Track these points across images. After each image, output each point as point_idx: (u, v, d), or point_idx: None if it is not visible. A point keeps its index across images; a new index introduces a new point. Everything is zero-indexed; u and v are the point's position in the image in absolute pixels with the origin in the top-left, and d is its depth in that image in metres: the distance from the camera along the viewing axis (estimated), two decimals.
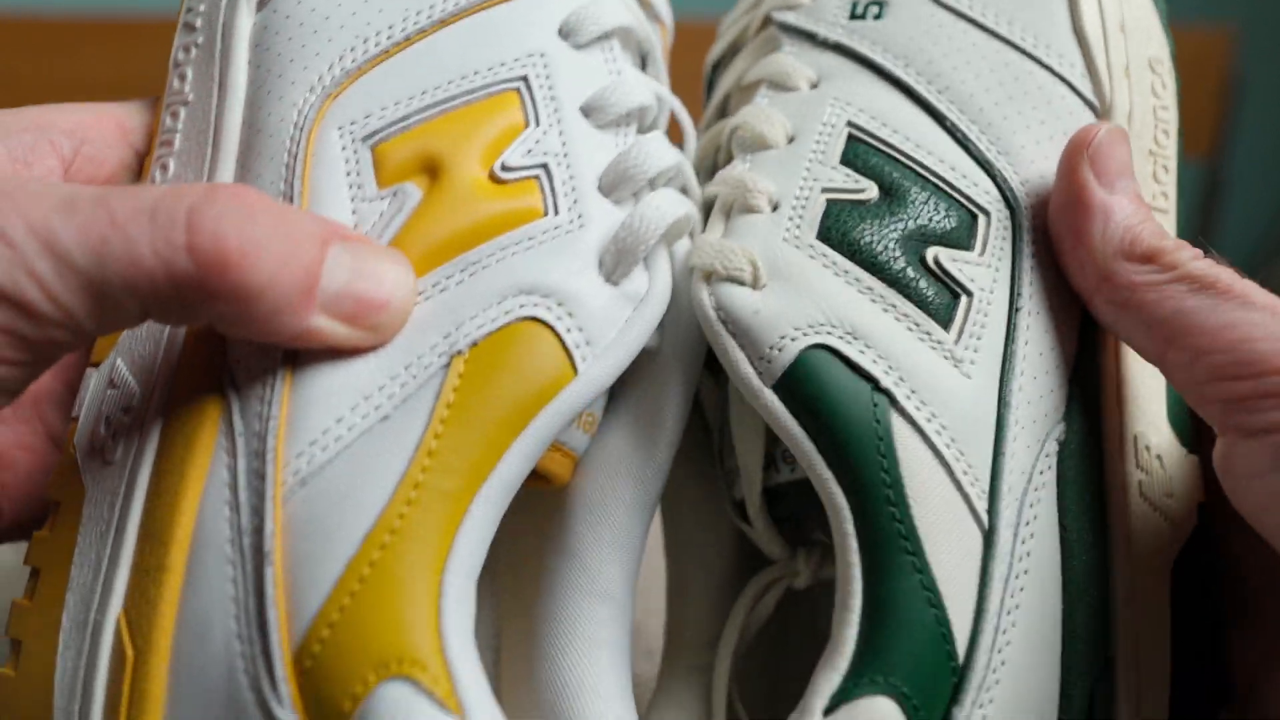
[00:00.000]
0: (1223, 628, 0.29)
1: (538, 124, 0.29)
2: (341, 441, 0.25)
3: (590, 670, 0.29)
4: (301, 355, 0.26)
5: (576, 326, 0.27)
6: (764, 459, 0.31)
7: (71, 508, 0.27)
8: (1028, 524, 0.27)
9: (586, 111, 0.29)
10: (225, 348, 0.26)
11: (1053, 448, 0.28)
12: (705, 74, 0.37)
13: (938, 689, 0.25)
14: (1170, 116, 0.33)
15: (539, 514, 0.31)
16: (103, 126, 0.31)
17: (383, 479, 0.24)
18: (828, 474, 0.27)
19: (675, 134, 0.33)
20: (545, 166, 0.28)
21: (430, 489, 0.24)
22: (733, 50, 0.36)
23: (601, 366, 0.27)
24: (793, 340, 0.27)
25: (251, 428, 0.25)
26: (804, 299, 0.28)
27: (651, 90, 0.31)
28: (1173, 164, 0.32)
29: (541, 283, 0.27)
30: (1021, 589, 0.26)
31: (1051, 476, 0.28)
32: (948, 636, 0.25)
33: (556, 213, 0.28)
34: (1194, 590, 0.28)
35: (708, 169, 0.34)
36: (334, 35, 0.29)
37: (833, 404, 0.27)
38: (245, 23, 0.30)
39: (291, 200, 0.28)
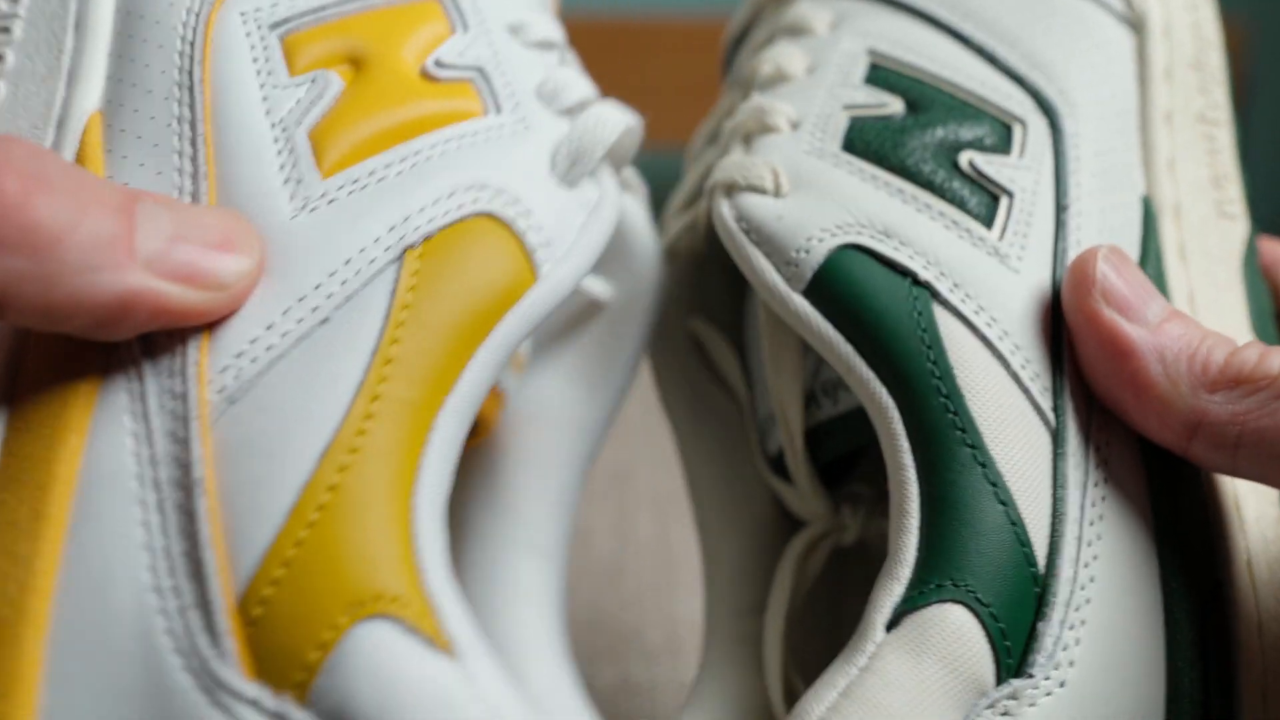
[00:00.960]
0: None
1: (465, 31, 0.26)
2: (274, 351, 0.22)
3: (526, 626, 0.27)
4: None
5: (535, 226, 0.24)
6: (803, 396, 0.29)
7: None
8: (1101, 428, 0.25)
9: (513, 30, 0.27)
10: None
11: None
12: (723, 53, 0.36)
13: (1019, 598, 0.23)
14: (1213, 31, 0.31)
15: (473, 466, 0.28)
16: None
17: (334, 389, 0.21)
18: (868, 373, 0.25)
19: None
20: (480, 70, 0.26)
21: (392, 400, 0.21)
22: (750, 26, 0.35)
23: (564, 270, 0.24)
24: (820, 241, 0.26)
25: (159, 341, 0.22)
26: (831, 202, 0.26)
27: (559, 34, 0.29)
28: (1222, 80, 0.31)
29: (494, 177, 0.24)
30: (1103, 498, 0.24)
31: None
32: (1023, 538, 0.23)
33: (499, 112, 0.25)
34: None
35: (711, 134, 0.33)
36: None
37: (868, 301, 0.25)
38: None
39: (192, 94, 0.24)
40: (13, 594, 0.20)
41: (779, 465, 0.31)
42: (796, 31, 0.31)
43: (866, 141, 0.27)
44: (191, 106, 0.24)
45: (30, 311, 0.20)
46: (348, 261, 0.22)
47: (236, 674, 0.19)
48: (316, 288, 0.22)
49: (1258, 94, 1.24)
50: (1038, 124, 0.28)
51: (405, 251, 0.23)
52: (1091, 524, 0.24)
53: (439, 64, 0.26)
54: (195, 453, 0.21)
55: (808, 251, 0.26)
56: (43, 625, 0.20)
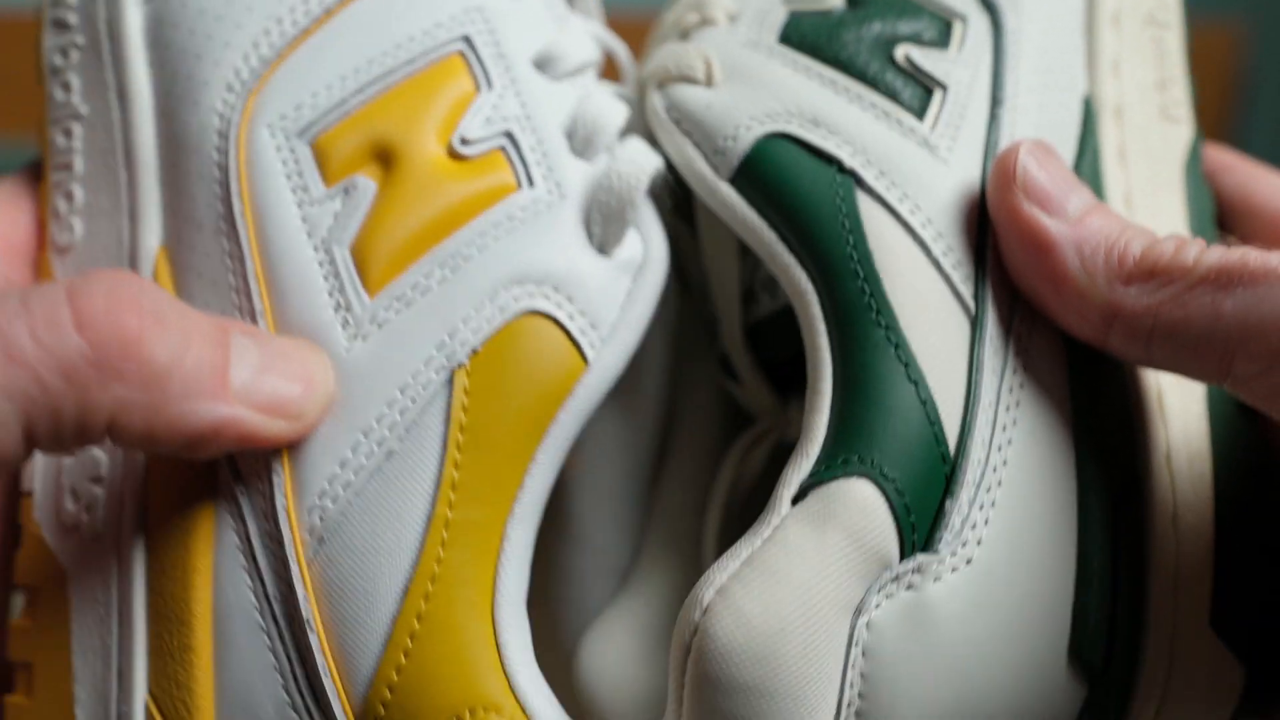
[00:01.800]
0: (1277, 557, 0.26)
1: (490, 87, 0.26)
2: (351, 488, 0.23)
3: (614, 654, 0.28)
4: None
5: (579, 311, 0.25)
6: (742, 291, 0.29)
7: (52, 591, 0.24)
8: (1025, 319, 0.25)
9: (540, 65, 0.27)
10: None
11: None
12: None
13: (926, 476, 0.23)
14: None
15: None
16: None
17: (408, 523, 0.23)
18: (789, 259, 0.25)
19: (611, 74, 0.31)
20: (509, 134, 0.26)
21: (462, 525, 0.23)
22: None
23: (612, 351, 0.25)
24: (748, 129, 0.26)
25: (254, 486, 0.24)
26: (761, 91, 0.26)
27: (592, 33, 0.29)
28: (1176, 21, 0.31)
29: (533, 268, 0.25)
30: (1021, 385, 0.24)
31: None
32: (932, 416, 0.23)
33: (531, 184, 0.25)
34: (1250, 516, 0.26)
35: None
36: (242, 19, 0.26)
37: (792, 187, 0.25)
38: (134, 16, 0.26)
39: (234, 227, 0.25)
40: (183, 714, 0.23)
41: (729, 366, 0.31)
42: None
43: (803, 34, 0.27)
44: (237, 241, 0.25)
45: (135, 436, 0.22)
46: (404, 390, 0.24)
47: None
48: (379, 420, 0.24)
49: (1258, 94, 1.24)
50: (979, 20, 0.28)
51: (454, 372, 0.24)
52: (1007, 409, 0.24)
53: (464, 141, 0.26)
54: (300, 593, 0.23)
55: (735, 139, 0.26)
56: None
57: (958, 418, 0.24)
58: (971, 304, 0.25)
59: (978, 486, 0.23)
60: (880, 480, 0.22)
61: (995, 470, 0.23)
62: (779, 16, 0.28)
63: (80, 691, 0.24)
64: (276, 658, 0.23)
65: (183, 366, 0.21)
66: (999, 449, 0.24)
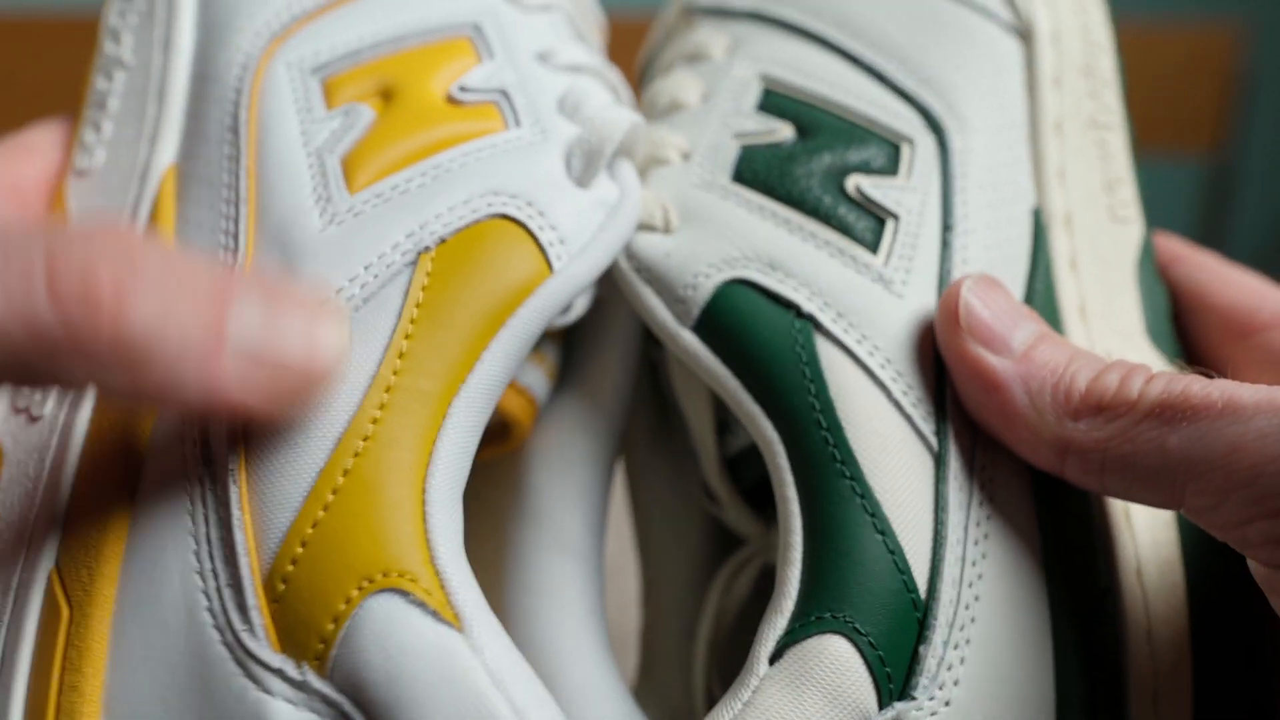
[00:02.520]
0: (1258, 664, 0.26)
1: (492, 59, 0.28)
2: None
3: (561, 628, 0.27)
4: (252, 266, 0.24)
5: (550, 225, 0.25)
6: (716, 425, 0.29)
7: None
8: (987, 449, 0.25)
9: (541, 57, 0.29)
10: None
11: None
12: (638, 75, 0.37)
13: (899, 625, 0.23)
14: (1103, 35, 0.31)
15: (499, 480, 0.29)
16: None
17: (351, 383, 0.23)
18: (755, 408, 0.25)
19: None
20: (504, 92, 0.27)
21: (405, 391, 0.23)
22: (659, 49, 0.36)
23: (580, 265, 0.25)
24: (707, 277, 0.26)
25: None
26: (718, 236, 0.27)
27: (592, 57, 0.30)
28: (1113, 82, 0.31)
29: (511, 184, 0.25)
30: (988, 517, 0.24)
31: None
32: (901, 565, 0.23)
33: (519, 126, 0.27)
34: (1224, 625, 0.26)
35: None
36: None
37: (753, 335, 0.25)
38: None
39: (237, 134, 0.26)
40: (85, 580, 0.22)
41: (712, 491, 0.31)
42: (695, 58, 0.31)
43: (755, 171, 0.28)
44: (236, 145, 0.26)
45: (120, 400, 0.21)
46: (367, 267, 0.24)
47: (265, 646, 0.21)
48: (339, 291, 0.24)
49: (1258, 94, 1.24)
50: (925, 142, 0.28)
51: (420, 254, 0.24)
52: (976, 543, 0.24)
53: (463, 89, 0.27)
54: (226, 440, 0.22)
55: (695, 288, 0.26)
56: (109, 608, 0.22)
57: (926, 561, 0.24)
58: (934, 441, 0.25)
59: (950, 627, 0.23)
60: (854, 635, 0.23)
61: (968, 608, 0.23)
62: (731, 152, 0.28)
63: None
64: (194, 519, 0.22)
65: (167, 334, 0.20)
66: (970, 585, 0.24)
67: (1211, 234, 1.24)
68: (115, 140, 0.28)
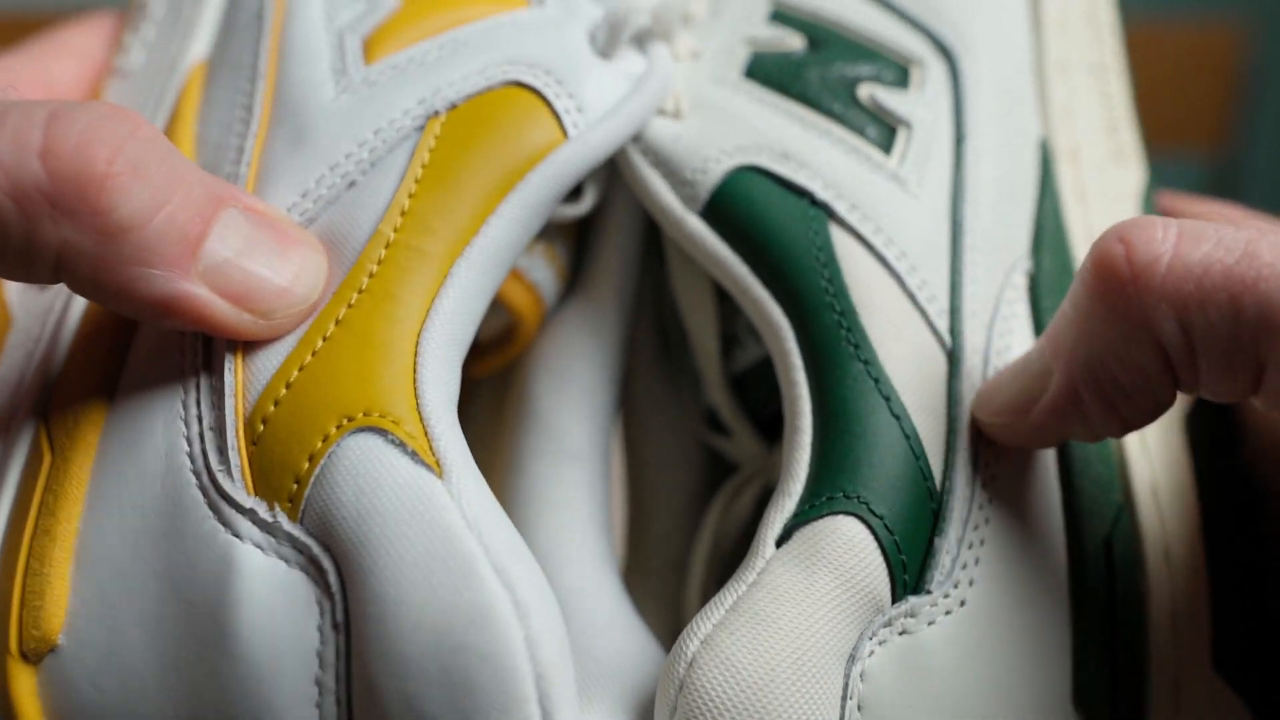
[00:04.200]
0: (1271, 591, 0.26)
1: None
2: (307, 214, 0.23)
3: (561, 532, 0.26)
4: (264, 144, 0.24)
5: (568, 94, 0.25)
6: (722, 340, 0.29)
7: None
8: (999, 353, 0.24)
9: None
10: None
11: (1020, 280, 0.26)
12: None
13: (914, 512, 0.22)
14: None
15: (508, 390, 0.29)
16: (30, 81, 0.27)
17: (351, 239, 0.22)
18: (763, 293, 0.24)
19: None
20: None
21: (404, 247, 0.22)
22: None
23: (599, 133, 0.24)
24: (717, 162, 0.25)
25: None
26: (731, 124, 0.26)
27: None
28: (1114, 32, 0.31)
29: (527, 54, 0.25)
30: None
31: (1024, 309, 0.25)
32: (917, 451, 0.22)
33: (543, 5, 0.26)
34: (1236, 550, 0.25)
35: None
36: None
37: (764, 220, 0.25)
38: None
39: (262, 19, 0.26)
40: (69, 426, 0.22)
41: (713, 420, 0.30)
42: None
43: (767, 71, 0.27)
44: (260, 29, 0.26)
45: (82, 286, 0.20)
46: (377, 131, 0.24)
47: (240, 488, 0.20)
48: (347, 156, 0.23)
49: (1261, 91, 1.24)
50: (936, 65, 0.28)
51: (429, 118, 0.24)
52: (989, 444, 0.23)
53: None
54: None
55: (704, 172, 0.26)
56: (90, 453, 0.21)
57: (941, 452, 0.23)
58: (948, 338, 0.24)
59: (965, 524, 0.22)
60: (868, 517, 0.22)
61: (981, 507, 0.23)
62: (742, 55, 0.28)
63: None
64: (183, 361, 0.22)
65: (145, 227, 0.19)
66: (983, 485, 0.23)
67: None
68: (155, 44, 0.27)
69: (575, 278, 0.29)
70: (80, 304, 0.24)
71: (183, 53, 0.27)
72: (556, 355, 0.28)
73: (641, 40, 0.27)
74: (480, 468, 0.23)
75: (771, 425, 0.29)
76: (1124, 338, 0.20)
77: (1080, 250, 0.27)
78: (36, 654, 0.20)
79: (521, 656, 0.19)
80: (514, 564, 0.20)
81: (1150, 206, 0.30)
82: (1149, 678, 0.23)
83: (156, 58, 0.27)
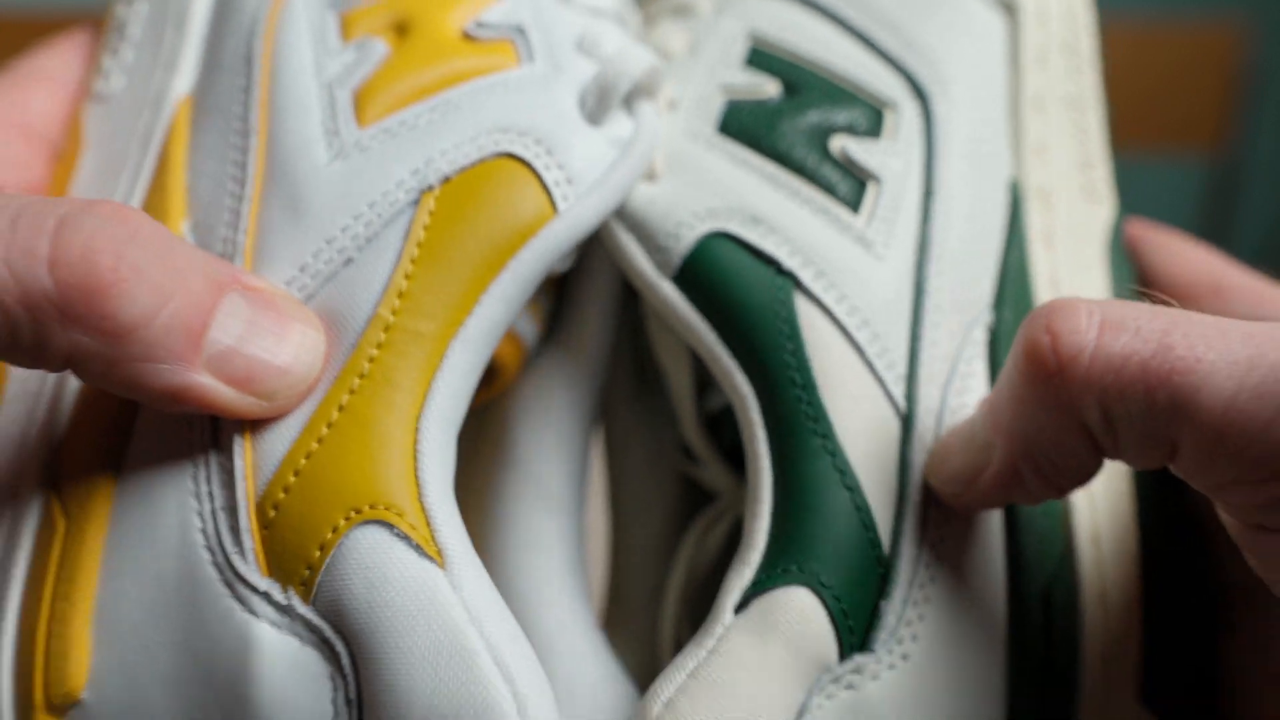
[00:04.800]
0: (1206, 626, 0.27)
1: None
2: (306, 290, 0.24)
3: (538, 575, 0.28)
4: (260, 210, 0.24)
5: (556, 165, 0.25)
6: (696, 383, 0.30)
7: None
8: (954, 412, 0.25)
9: (563, 3, 0.28)
10: None
11: (980, 335, 0.27)
12: None
13: (862, 579, 0.24)
14: (1087, 14, 0.31)
15: (484, 430, 0.30)
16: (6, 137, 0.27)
17: (351, 321, 0.23)
18: (731, 363, 0.25)
19: None
20: (520, 29, 0.27)
21: (402, 331, 0.23)
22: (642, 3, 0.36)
23: (586, 205, 0.25)
24: (690, 228, 0.26)
25: None
26: (702, 187, 0.27)
27: (614, 2, 0.30)
28: (1092, 62, 0.31)
29: (519, 121, 0.25)
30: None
31: (982, 366, 0.26)
32: (867, 522, 0.24)
33: (533, 61, 0.26)
34: (1175, 588, 0.26)
35: None
36: None
37: (733, 289, 0.26)
38: None
39: (251, 65, 0.26)
40: (81, 497, 0.23)
41: (691, 453, 0.31)
42: (681, 11, 0.31)
43: (742, 124, 0.28)
44: (249, 76, 0.26)
45: (93, 379, 0.21)
46: (371, 205, 0.24)
47: (254, 570, 0.22)
48: (343, 230, 0.24)
49: (1260, 92, 1.24)
50: (910, 108, 0.28)
51: (423, 193, 0.24)
52: (938, 505, 0.25)
53: (480, 25, 0.27)
54: None
55: (676, 238, 0.26)
56: (104, 524, 0.23)
57: (890, 519, 0.24)
58: (903, 404, 0.25)
59: (911, 585, 0.24)
60: (818, 588, 0.23)
61: (928, 567, 0.24)
62: (717, 104, 0.28)
63: None
64: (192, 444, 0.23)
65: (150, 326, 0.20)
66: (931, 546, 0.24)
67: (1214, 233, 1.24)
68: (134, 66, 0.28)
69: (554, 326, 0.30)
70: None
71: (166, 86, 0.27)
72: (536, 401, 0.29)
73: (629, 100, 0.27)
74: (459, 502, 0.24)
75: (743, 460, 0.30)
76: (1054, 422, 0.22)
77: (1043, 298, 0.28)
78: (61, 708, 0.22)
79: None
80: (513, 657, 0.21)
81: (1117, 241, 0.30)
82: (1078, 714, 0.25)
83: (137, 84, 0.28)
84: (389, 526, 0.21)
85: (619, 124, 0.27)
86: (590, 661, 0.26)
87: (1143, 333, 0.21)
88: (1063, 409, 0.21)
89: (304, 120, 0.25)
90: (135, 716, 0.22)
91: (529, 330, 0.29)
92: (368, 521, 0.22)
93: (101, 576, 0.22)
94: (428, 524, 0.22)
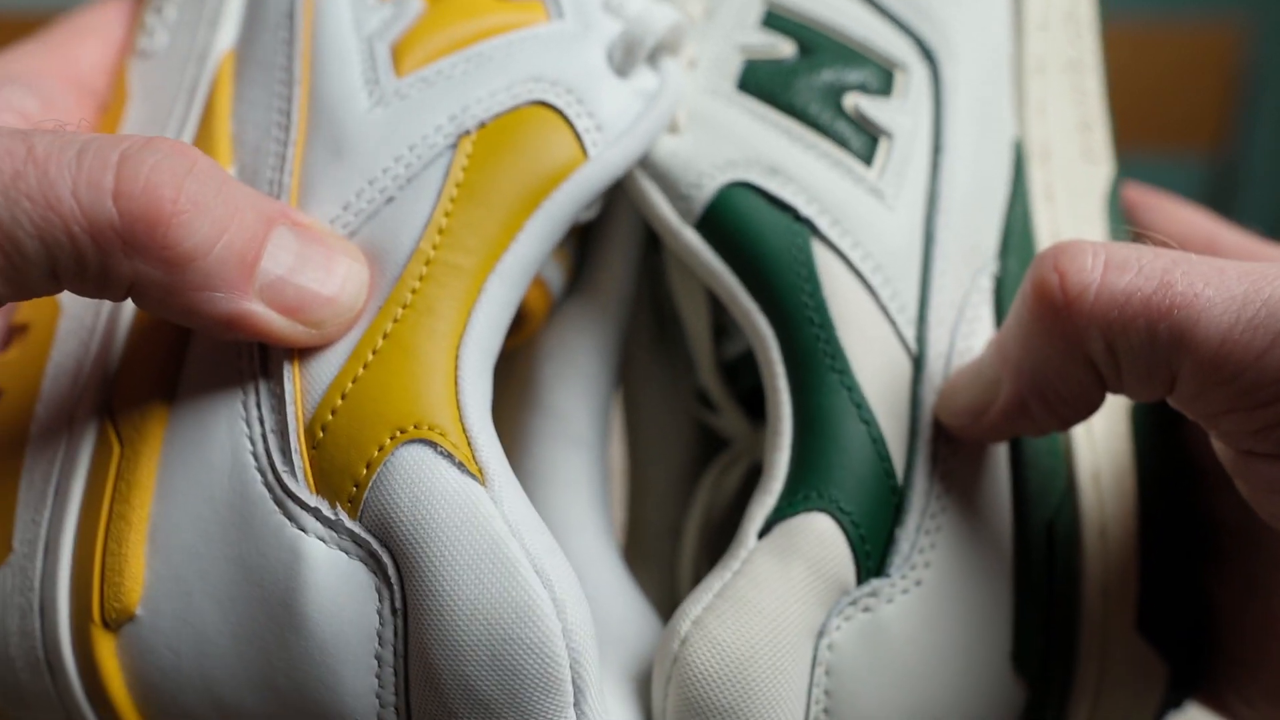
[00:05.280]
0: (1200, 562, 0.29)
1: None
2: (349, 227, 0.25)
3: (564, 509, 0.29)
4: (304, 153, 0.26)
5: (587, 113, 0.26)
6: (713, 330, 0.31)
7: (43, 326, 0.26)
8: (961, 355, 0.27)
9: None
10: None
11: (986, 283, 0.28)
12: None
13: (878, 507, 0.25)
14: None
15: (513, 374, 0.31)
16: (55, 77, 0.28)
17: (394, 255, 0.24)
18: (751, 304, 0.27)
19: None
20: None
21: (443, 264, 0.24)
22: None
23: (616, 152, 0.27)
24: (711, 178, 0.28)
25: None
26: (723, 140, 0.28)
27: None
28: (1092, 28, 0.33)
29: (549, 72, 0.27)
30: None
31: (987, 311, 0.28)
32: (883, 453, 0.25)
33: (562, 18, 0.28)
34: (1171, 526, 0.28)
35: None
36: None
37: (753, 235, 0.27)
38: None
39: (293, 20, 0.27)
40: (136, 420, 0.24)
41: (708, 400, 0.33)
42: None
43: (759, 81, 0.29)
44: (291, 29, 0.27)
45: (152, 308, 0.23)
46: (411, 147, 0.25)
47: (303, 488, 0.23)
48: (384, 171, 0.25)
49: (1259, 92, 1.24)
50: (919, 70, 0.30)
51: (461, 137, 0.26)
52: (948, 440, 0.26)
53: None
54: None
55: (699, 188, 0.28)
56: (158, 448, 0.24)
57: (904, 454, 0.26)
58: (914, 345, 0.27)
59: (923, 514, 0.25)
60: (837, 514, 0.25)
61: (939, 498, 0.26)
62: (735, 64, 0.30)
63: (39, 409, 0.25)
64: (242, 366, 0.24)
65: (208, 256, 0.22)
66: (942, 478, 0.26)
67: None
68: (177, 24, 0.29)
69: (580, 274, 0.31)
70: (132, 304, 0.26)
71: (210, 42, 0.28)
72: (562, 346, 0.30)
73: (654, 56, 0.29)
74: None
75: (758, 406, 0.31)
76: (1060, 355, 0.23)
77: (1045, 246, 0.29)
78: (116, 623, 0.23)
79: (559, 646, 0.22)
80: (551, 566, 0.22)
81: (1115, 200, 0.31)
82: (1079, 640, 0.26)
83: (181, 41, 0.29)
84: (433, 445, 0.23)
85: (645, 78, 0.28)
86: (616, 592, 0.28)
87: (1145, 271, 0.22)
88: (1068, 343, 0.23)
89: (345, 70, 0.26)
90: (188, 631, 0.23)
91: (556, 278, 0.30)
92: (412, 440, 0.23)
93: (155, 497, 0.24)
94: (469, 444, 0.23)
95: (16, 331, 0.26)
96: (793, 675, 0.24)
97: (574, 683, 0.22)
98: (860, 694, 0.24)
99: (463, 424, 0.23)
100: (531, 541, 0.23)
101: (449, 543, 0.22)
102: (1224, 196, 1.29)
